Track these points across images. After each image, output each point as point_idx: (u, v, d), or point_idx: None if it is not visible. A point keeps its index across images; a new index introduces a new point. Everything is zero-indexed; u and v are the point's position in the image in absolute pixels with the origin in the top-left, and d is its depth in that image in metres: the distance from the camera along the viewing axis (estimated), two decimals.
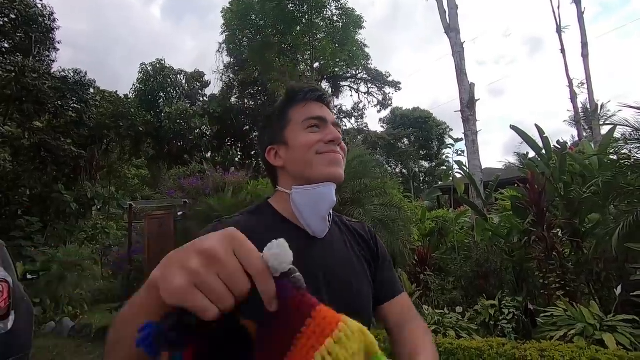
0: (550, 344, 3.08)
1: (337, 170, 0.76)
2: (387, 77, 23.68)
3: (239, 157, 17.67)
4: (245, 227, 0.66)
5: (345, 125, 24.87)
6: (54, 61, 12.44)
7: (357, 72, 23.53)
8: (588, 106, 15.53)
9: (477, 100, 8.35)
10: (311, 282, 0.63)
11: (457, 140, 26.58)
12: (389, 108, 27.02)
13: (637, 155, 4.04)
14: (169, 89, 16.33)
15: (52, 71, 11.57)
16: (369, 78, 23.70)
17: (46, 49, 11.73)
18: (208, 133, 16.52)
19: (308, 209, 0.74)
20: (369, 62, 22.91)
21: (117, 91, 15.11)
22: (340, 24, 19.38)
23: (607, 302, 3.69)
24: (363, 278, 0.78)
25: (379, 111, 26.48)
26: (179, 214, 5.69)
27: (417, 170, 32.08)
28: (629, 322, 3.21)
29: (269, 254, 0.36)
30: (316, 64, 20.17)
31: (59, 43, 12.41)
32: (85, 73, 12.04)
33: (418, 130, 31.93)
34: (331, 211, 0.80)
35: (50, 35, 11.75)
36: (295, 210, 0.75)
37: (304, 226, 0.75)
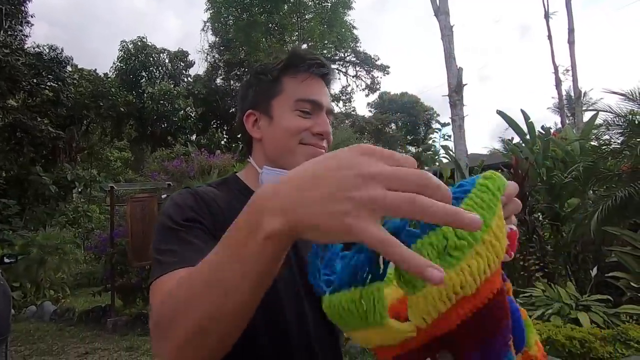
0: (528, 323, 3.20)
1: None
2: (376, 61, 23.47)
3: (225, 139, 17.40)
4: (214, 196, 0.64)
5: (333, 109, 24.71)
6: (27, 36, 11.79)
7: (346, 55, 23.22)
8: (572, 93, 15.79)
9: (465, 85, 8.36)
10: (285, 265, 0.60)
11: (444, 125, 26.84)
12: (377, 92, 26.94)
13: (618, 141, 4.14)
14: (151, 69, 15.77)
15: (25, 47, 10.99)
16: (358, 61, 23.44)
17: (18, 22, 11.07)
18: (193, 115, 16.13)
19: None
20: (358, 44, 22.62)
21: (96, 69, 14.54)
22: (329, 4, 18.97)
23: (583, 282, 3.84)
24: None
25: (367, 95, 26.37)
26: (162, 197, 5.58)
27: (404, 155, 32.22)
28: (602, 301, 3.35)
29: None
30: (304, 46, 19.78)
31: (32, 17, 11.74)
32: (62, 50, 11.51)
33: (406, 115, 32.01)
34: None
35: (23, 7, 11.09)
36: None
37: None
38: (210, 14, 18.99)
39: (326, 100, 0.71)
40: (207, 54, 19.75)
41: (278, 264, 0.36)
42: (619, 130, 4.07)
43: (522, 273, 4.18)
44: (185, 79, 19.05)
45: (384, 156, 0.30)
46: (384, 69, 23.71)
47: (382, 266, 0.32)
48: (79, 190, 11.87)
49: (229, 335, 0.40)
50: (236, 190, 0.70)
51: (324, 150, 0.69)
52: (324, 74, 0.71)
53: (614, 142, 4.33)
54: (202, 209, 0.61)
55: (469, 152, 8.68)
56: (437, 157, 15.74)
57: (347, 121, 23.41)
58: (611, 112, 4.03)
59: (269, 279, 0.37)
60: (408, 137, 32.52)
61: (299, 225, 0.31)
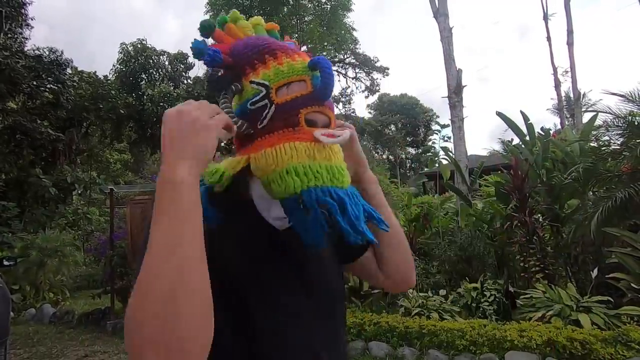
0: (529, 325, 3.19)
1: None
2: (375, 62, 23.50)
3: (225, 141, 17.37)
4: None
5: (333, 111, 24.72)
6: (27, 39, 11.77)
7: (345, 57, 23.24)
8: (571, 94, 15.81)
9: (464, 87, 8.37)
10: (288, 274, 0.62)
11: (443, 127, 26.85)
12: (377, 94, 26.94)
13: (618, 142, 4.14)
14: (151, 71, 15.76)
15: (25, 49, 10.99)
16: (357, 63, 23.45)
17: (18, 25, 11.06)
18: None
19: (260, 201, 0.65)
20: (357, 46, 22.64)
21: (96, 72, 14.50)
22: (329, 6, 18.99)
23: (584, 284, 3.83)
24: (334, 267, 0.74)
25: (366, 97, 26.33)
26: None
27: (403, 156, 32.30)
28: (603, 303, 3.34)
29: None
30: (303, 48, 19.78)
31: (32, 19, 11.73)
32: (62, 52, 11.46)
33: (405, 117, 32.03)
34: None
35: (23, 10, 11.09)
36: (254, 194, 0.66)
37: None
38: (210, 16, 19.03)
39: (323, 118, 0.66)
40: None
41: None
42: (619, 131, 4.07)
43: (522, 274, 4.18)
44: (185, 81, 19.05)
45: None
46: (383, 70, 23.74)
47: None
48: (79, 192, 11.85)
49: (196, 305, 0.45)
50: (230, 201, 0.68)
51: None
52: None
53: (614, 143, 4.33)
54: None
55: (468, 154, 8.69)
56: (436, 158, 15.74)
57: (346, 123, 23.38)
58: (611, 113, 4.03)
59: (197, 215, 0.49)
60: (408, 138, 32.52)
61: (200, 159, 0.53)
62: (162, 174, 0.50)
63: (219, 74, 0.65)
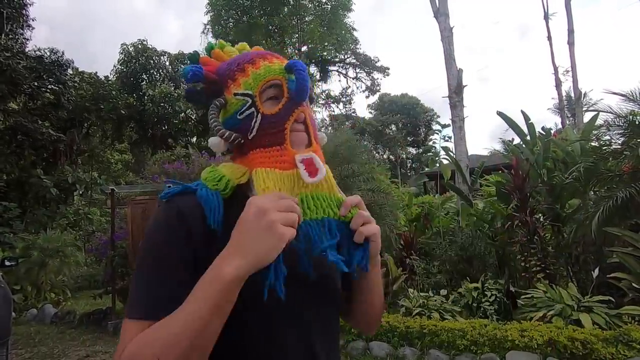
0: (530, 324, 3.19)
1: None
2: (376, 62, 23.49)
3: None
4: (202, 212, 0.63)
5: (334, 111, 24.72)
6: (28, 40, 11.80)
7: (346, 57, 23.24)
8: (572, 94, 15.79)
9: (465, 87, 8.36)
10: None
11: (444, 126, 26.84)
12: (377, 94, 26.94)
13: (619, 142, 4.13)
14: (151, 71, 15.77)
15: (26, 50, 11.01)
16: (358, 63, 23.45)
17: (19, 26, 11.09)
18: (193, 117, 16.13)
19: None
20: (358, 46, 22.64)
21: (96, 72, 14.53)
22: (329, 6, 18.99)
23: (585, 283, 3.83)
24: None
25: (367, 97, 26.32)
26: None
27: (404, 156, 32.27)
28: (604, 302, 3.34)
29: None
30: (304, 48, 19.81)
31: (33, 20, 11.75)
32: (63, 53, 11.49)
33: (406, 117, 31.99)
34: None
35: (24, 11, 11.11)
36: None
37: None
38: (211, 16, 19.04)
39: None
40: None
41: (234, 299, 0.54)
42: (620, 131, 4.06)
43: (523, 274, 4.18)
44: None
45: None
46: (384, 70, 23.73)
47: None
48: (80, 192, 11.86)
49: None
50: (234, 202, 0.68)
51: None
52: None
53: (615, 142, 4.33)
54: (180, 236, 0.60)
55: (469, 153, 8.68)
56: (437, 158, 15.73)
57: (347, 123, 23.42)
58: (612, 113, 4.03)
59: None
60: (408, 138, 32.50)
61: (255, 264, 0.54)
62: (219, 267, 0.53)
63: (198, 88, 0.69)
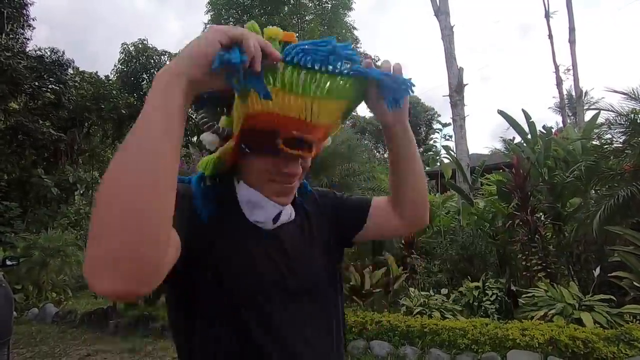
0: (531, 324, 3.18)
1: (284, 200, 0.70)
2: (376, 62, 23.43)
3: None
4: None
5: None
6: (28, 39, 11.80)
7: None
8: (573, 93, 15.75)
9: (465, 85, 8.35)
10: (272, 266, 0.67)
11: (445, 125, 26.81)
12: None
13: (620, 140, 4.12)
14: (152, 71, 15.77)
15: (27, 50, 11.01)
16: None
17: (20, 25, 11.09)
18: (194, 116, 16.19)
19: (245, 205, 0.69)
20: (358, 45, 22.59)
21: (97, 72, 14.55)
22: (329, 5, 18.98)
23: (586, 282, 3.82)
24: (322, 260, 0.76)
25: None
26: None
27: None
28: (605, 301, 3.33)
29: None
30: None
31: (33, 20, 11.76)
32: (63, 52, 11.49)
33: None
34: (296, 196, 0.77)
35: (24, 11, 11.11)
36: (240, 197, 0.70)
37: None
38: (211, 15, 19.03)
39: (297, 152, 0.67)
40: None
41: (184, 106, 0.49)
42: (621, 129, 4.05)
43: (524, 273, 4.17)
44: None
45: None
46: None
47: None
48: (81, 192, 11.88)
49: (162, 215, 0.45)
50: (226, 195, 0.70)
51: (293, 185, 0.70)
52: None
53: (616, 141, 4.32)
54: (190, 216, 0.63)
55: (470, 152, 8.67)
56: (438, 157, 15.71)
57: (347, 122, 23.41)
58: (613, 111, 4.02)
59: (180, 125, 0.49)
60: None
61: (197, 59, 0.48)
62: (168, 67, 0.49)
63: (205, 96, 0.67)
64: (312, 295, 0.71)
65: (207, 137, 0.68)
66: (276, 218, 0.70)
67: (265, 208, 0.69)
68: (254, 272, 0.65)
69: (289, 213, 0.73)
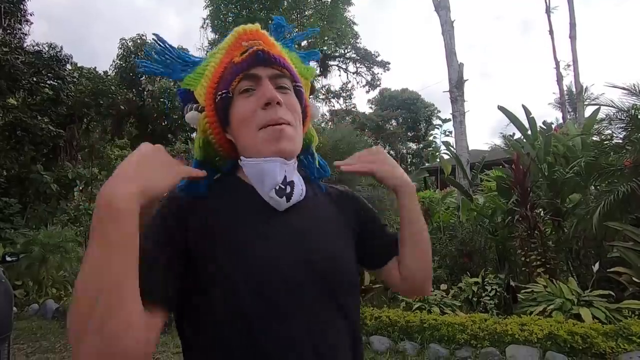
0: (530, 319, 3.19)
1: (281, 145, 0.62)
2: (376, 57, 23.37)
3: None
4: (199, 204, 0.64)
5: (334, 106, 24.63)
6: (26, 35, 11.73)
7: (346, 51, 23.12)
8: (573, 89, 15.71)
9: (465, 81, 8.32)
10: (286, 256, 0.60)
11: (445, 121, 26.76)
12: (378, 89, 26.83)
13: (620, 136, 4.11)
14: None
15: (24, 45, 10.95)
16: (358, 57, 23.33)
17: (17, 20, 11.01)
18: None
19: (258, 184, 0.65)
20: (358, 41, 22.51)
21: (95, 68, 14.49)
22: (329, 0, 18.86)
23: (585, 278, 3.83)
24: (348, 251, 0.70)
25: (367, 92, 26.20)
26: (163, 194, 5.58)
27: (404, 151, 32.22)
28: (604, 297, 3.34)
29: None
30: (304, 42, 19.69)
31: (31, 15, 11.68)
32: (61, 48, 11.42)
33: (406, 112, 31.88)
34: (320, 183, 0.77)
35: (21, 6, 11.03)
36: (249, 181, 0.67)
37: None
38: (210, 11, 18.91)
39: (265, 70, 0.64)
40: (207, 52, 19.67)
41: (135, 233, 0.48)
42: (621, 125, 4.04)
43: (523, 269, 4.18)
44: None
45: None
46: (384, 65, 23.61)
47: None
48: (80, 188, 11.88)
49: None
50: (230, 184, 0.69)
51: (283, 127, 0.62)
52: (262, 60, 0.64)
53: (616, 137, 4.31)
54: (177, 226, 0.61)
55: (470, 148, 8.66)
56: (438, 153, 15.70)
57: (347, 118, 23.36)
58: (613, 107, 4.00)
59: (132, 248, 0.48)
60: (409, 133, 32.42)
61: (148, 188, 0.51)
62: (105, 189, 0.48)
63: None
64: (335, 296, 0.62)
65: (189, 115, 0.69)
66: (286, 187, 0.63)
67: (269, 172, 0.62)
68: (263, 271, 0.58)
69: (300, 188, 0.66)
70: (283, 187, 0.64)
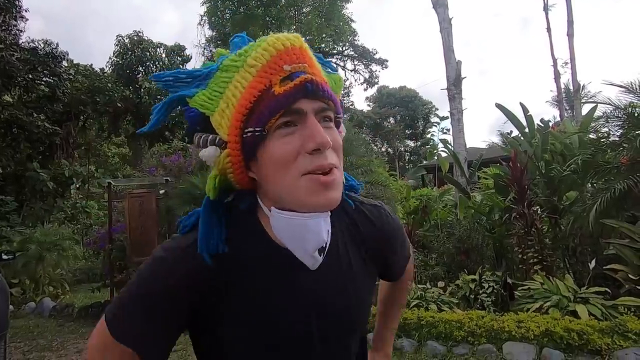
0: (526, 316, 3.21)
1: (330, 195, 0.53)
2: (374, 54, 23.34)
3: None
4: (214, 265, 0.55)
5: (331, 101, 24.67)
6: (22, 31, 11.62)
7: (344, 49, 23.08)
8: (571, 86, 15.75)
9: (463, 78, 8.32)
10: (301, 314, 0.58)
11: (442, 119, 26.83)
12: (376, 86, 26.83)
13: (617, 134, 4.12)
14: (148, 63, 15.62)
15: (20, 42, 10.86)
16: (356, 55, 23.30)
17: (12, 17, 10.91)
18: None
19: (292, 242, 0.57)
20: (356, 38, 22.48)
21: (92, 64, 14.40)
22: None
23: (582, 275, 3.85)
24: (364, 292, 0.66)
25: (365, 89, 26.23)
26: (160, 192, 5.55)
27: (402, 149, 32.28)
28: (600, 294, 3.36)
29: None
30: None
31: (26, 11, 11.57)
32: (57, 44, 11.35)
33: (404, 109, 31.93)
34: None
35: (17, 2, 10.94)
36: (278, 236, 0.58)
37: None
38: (207, 7, 18.82)
39: (309, 103, 0.52)
40: (204, 49, 19.61)
41: None
42: (618, 123, 4.05)
43: (520, 266, 4.20)
44: None
45: None
46: (382, 62, 23.60)
47: None
48: (77, 186, 11.84)
49: None
50: (251, 232, 0.60)
51: (331, 178, 0.53)
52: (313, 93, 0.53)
53: (613, 134, 4.32)
54: (177, 300, 0.56)
55: (467, 146, 8.66)
56: (435, 150, 15.72)
57: (345, 115, 23.35)
58: (610, 105, 4.01)
59: None
60: (407, 131, 32.47)
61: None
62: None
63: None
64: (346, 339, 0.64)
65: (205, 152, 0.57)
66: (323, 247, 0.57)
67: (314, 229, 0.55)
68: (279, 336, 0.58)
69: (327, 228, 0.58)
70: (325, 245, 0.58)
